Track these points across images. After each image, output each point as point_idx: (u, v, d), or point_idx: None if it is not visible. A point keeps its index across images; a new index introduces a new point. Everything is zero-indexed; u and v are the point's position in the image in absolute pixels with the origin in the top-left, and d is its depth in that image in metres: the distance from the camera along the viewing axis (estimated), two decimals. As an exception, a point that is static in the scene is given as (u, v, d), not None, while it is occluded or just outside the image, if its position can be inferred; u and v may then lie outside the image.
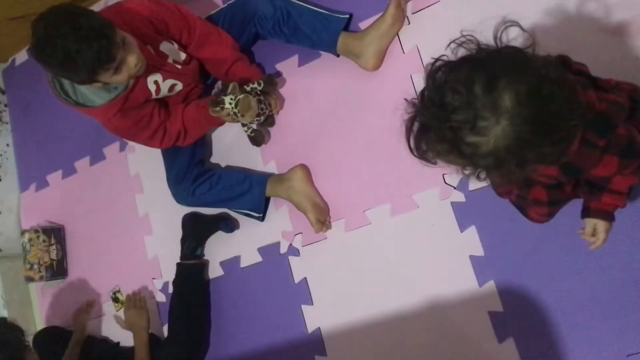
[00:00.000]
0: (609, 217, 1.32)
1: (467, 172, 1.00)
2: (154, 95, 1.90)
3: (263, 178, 2.00)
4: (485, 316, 1.68)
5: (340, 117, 1.95)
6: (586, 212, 1.35)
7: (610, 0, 1.57)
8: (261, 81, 1.95)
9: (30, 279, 2.47)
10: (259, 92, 1.95)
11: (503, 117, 0.89)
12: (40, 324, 2.55)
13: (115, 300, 2.33)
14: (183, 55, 1.92)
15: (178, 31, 1.89)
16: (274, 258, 2.03)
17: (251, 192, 1.99)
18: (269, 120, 2.04)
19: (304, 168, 1.96)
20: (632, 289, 1.52)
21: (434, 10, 1.83)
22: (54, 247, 2.48)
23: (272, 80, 2.00)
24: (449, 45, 0.99)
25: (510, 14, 1.01)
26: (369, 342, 1.84)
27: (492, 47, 0.97)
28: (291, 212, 1.99)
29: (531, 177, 1.24)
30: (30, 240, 2.45)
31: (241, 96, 1.88)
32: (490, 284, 1.68)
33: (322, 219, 1.90)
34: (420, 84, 1.80)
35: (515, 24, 0.99)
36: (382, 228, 1.84)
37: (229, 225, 2.09)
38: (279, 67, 2.08)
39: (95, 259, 2.43)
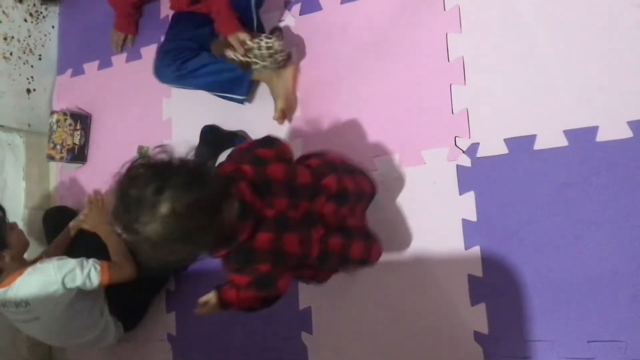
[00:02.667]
0: (222, 303, 1.50)
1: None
2: None
3: None
4: (464, 278, 1.74)
5: (370, 61, 1.98)
6: (216, 287, 1.53)
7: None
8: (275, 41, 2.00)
9: (51, 158, 2.58)
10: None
11: (156, 220, 1.15)
12: (54, 203, 2.69)
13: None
14: None
15: None
16: (280, 184, 2.09)
17: (238, 75, 2.07)
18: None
19: (297, 68, 2.08)
20: (608, 281, 1.56)
21: (484, -27, 1.83)
22: (78, 132, 2.58)
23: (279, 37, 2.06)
24: (156, 147, 1.25)
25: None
26: (351, 280, 1.92)
27: (176, 160, 1.23)
28: (305, 146, 2.04)
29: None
30: (57, 121, 2.55)
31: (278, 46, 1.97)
32: (476, 249, 1.73)
33: (286, 112, 2.05)
34: (454, 43, 1.83)
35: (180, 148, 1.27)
36: (387, 177, 1.89)
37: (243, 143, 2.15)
38: (322, 0, 2.10)
39: (114, 152, 2.52)
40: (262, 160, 1.45)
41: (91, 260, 1.90)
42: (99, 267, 1.89)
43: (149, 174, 1.19)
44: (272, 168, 1.43)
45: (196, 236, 1.21)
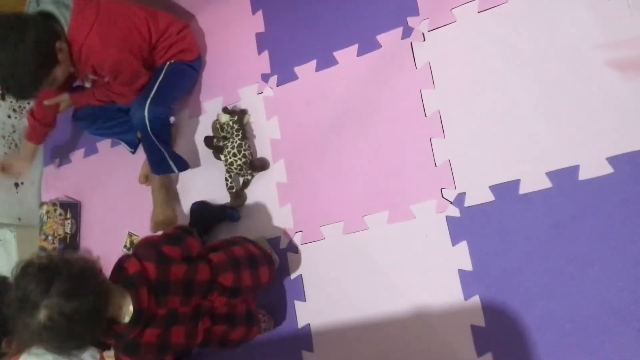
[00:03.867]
0: None
1: None
2: None
3: None
4: (467, 329, 1.73)
5: (350, 123, 2.02)
6: None
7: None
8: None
9: (43, 249, 2.56)
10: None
11: (34, 325, 1.26)
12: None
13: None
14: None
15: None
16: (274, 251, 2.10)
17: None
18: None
19: (163, 178, 2.28)
20: (610, 318, 1.56)
21: (450, 30, 1.89)
22: (69, 221, 2.59)
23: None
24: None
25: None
26: (354, 342, 1.90)
27: (61, 265, 1.34)
28: (294, 211, 2.07)
29: None
30: (47, 212, 2.56)
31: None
32: (475, 299, 1.73)
33: (160, 225, 2.26)
34: (429, 98, 1.88)
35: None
36: (378, 234, 1.90)
37: (235, 214, 2.16)
38: (297, 70, 2.16)
39: (106, 237, 2.52)
40: (167, 260, 1.55)
41: (87, 354, 1.86)
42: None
43: (34, 278, 1.29)
44: (175, 268, 1.54)
45: (72, 341, 1.33)
